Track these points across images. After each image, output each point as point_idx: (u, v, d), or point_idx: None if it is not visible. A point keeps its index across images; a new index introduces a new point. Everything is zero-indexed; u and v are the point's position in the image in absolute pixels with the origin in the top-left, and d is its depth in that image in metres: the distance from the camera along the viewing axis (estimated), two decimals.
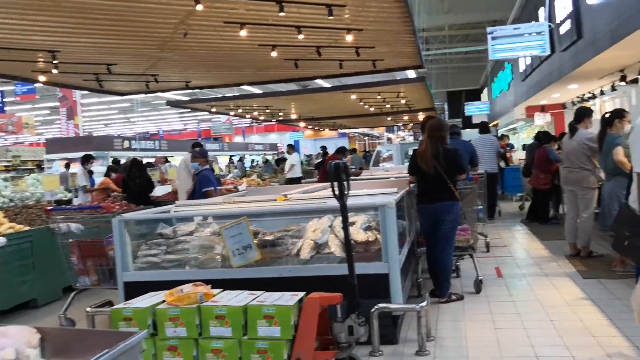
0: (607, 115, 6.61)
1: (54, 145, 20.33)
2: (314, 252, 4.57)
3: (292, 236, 4.73)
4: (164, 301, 3.74)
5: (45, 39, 8.10)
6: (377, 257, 4.54)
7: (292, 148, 18.26)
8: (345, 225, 3.74)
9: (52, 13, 6.96)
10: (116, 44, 8.59)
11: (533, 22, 11.86)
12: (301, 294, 3.72)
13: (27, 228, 6.80)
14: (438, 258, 5.63)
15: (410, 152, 11.89)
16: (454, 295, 5.65)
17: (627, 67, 10.43)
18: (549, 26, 10.96)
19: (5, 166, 26.49)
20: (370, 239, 4.63)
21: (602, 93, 13.67)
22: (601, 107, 14.79)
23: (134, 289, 4.55)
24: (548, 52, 11.12)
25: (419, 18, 20.42)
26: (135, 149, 20.90)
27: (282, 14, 7.10)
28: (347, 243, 3.78)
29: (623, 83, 11.45)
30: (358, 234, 4.64)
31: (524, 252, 7.98)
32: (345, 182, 3.74)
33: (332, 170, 3.60)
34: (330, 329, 3.71)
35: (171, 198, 9.37)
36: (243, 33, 7.88)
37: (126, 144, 21.04)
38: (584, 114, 7.13)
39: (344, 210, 3.71)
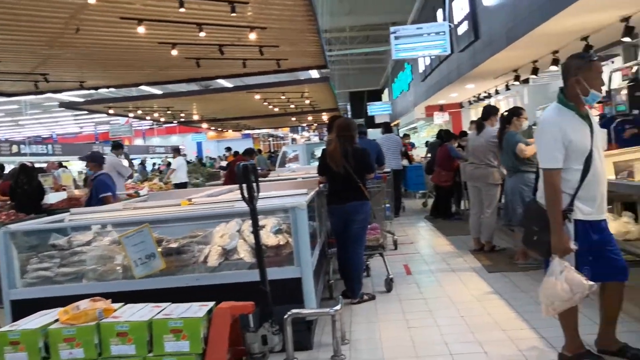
0: (506, 113, 6.83)
1: None
2: (222, 258, 4.36)
3: (199, 242, 4.49)
4: (57, 320, 3.39)
5: None
6: (288, 261, 4.39)
7: (178, 152, 17.67)
8: (256, 229, 3.56)
9: None
10: None
11: (434, 22, 12.20)
12: (210, 304, 3.49)
13: None
14: (349, 258, 5.56)
15: (317, 153, 11.88)
16: (366, 295, 5.60)
17: (521, 67, 10.91)
18: (449, 26, 11.28)
19: None
20: (281, 243, 4.48)
21: (497, 92, 14.28)
22: (496, 106, 15.44)
23: (23, 308, 4.11)
24: (449, 52, 11.44)
25: (321, 18, 20.53)
26: (25, 154, 19.65)
27: (182, 10, 6.80)
28: (258, 249, 3.59)
29: (517, 83, 11.99)
30: (269, 238, 4.47)
31: (431, 249, 8.11)
32: (254, 185, 3.56)
33: (241, 172, 3.41)
34: (243, 339, 3.52)
35: (66, 205, 8.76)
36: (141, 30, 7.49)
37: (15, 148, 19.75)
38: (490, 112, 7.39)
39: (254, 214, 3.53)
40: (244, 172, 3.47)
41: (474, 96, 16.70)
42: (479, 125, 7.40)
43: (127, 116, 21.66)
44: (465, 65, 11.92)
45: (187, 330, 3.22)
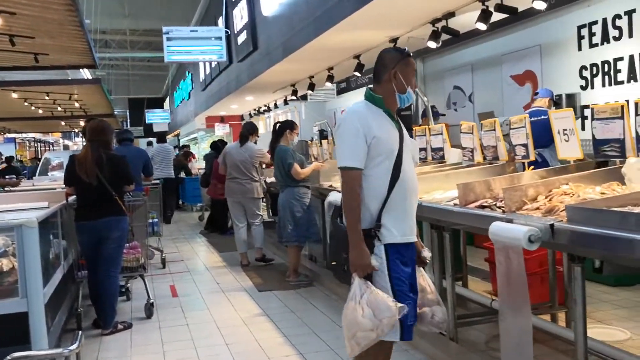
0: (278, 126, 6.65)
1: None
2: None
3: None
4: None
5: None
6: (14, 291, 3.58)
7: None
8: None
9: None
10: None
11: (211, 27, 11.79)
12: None
13: None
14: (101, 282, 4.83)
15: None
16: (121, 324, 4.92)
17: (298, 81, 10.97)
18: (226, 32, 10.95)
19: None
20: (5, 269, 3.66)
21: (276, 106, 14.34)
22: (275, 120, 15.56)
23: None
24: (225, 58, 11.09)
25: (96, 17, 19.05)
26: None
27: None
28: None
29: (294, 97, 12.08)
30: None
31: (202, 266, 7.63)
32: None
33: None
34: None
35: None
36: None
37: None
38: (253, 128, 7.45)
39: None
40: None
41: (255, 109, 16.67)
42: (242, 138, 7.21)
43: None
44: (244, 75, 11.70)
45: None
